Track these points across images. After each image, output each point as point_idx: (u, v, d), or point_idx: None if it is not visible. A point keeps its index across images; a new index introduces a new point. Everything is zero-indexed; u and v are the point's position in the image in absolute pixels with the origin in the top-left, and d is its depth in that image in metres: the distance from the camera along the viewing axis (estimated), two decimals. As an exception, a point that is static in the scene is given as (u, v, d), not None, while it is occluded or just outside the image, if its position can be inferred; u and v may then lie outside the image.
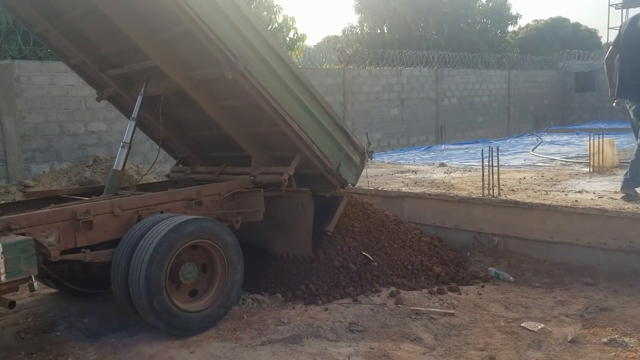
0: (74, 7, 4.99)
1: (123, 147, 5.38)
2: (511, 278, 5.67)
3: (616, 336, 4.12)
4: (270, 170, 5.32)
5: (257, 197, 5.04)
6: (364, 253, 5.50)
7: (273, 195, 5.19)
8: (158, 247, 4.04)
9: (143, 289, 3.98)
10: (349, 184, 5.57)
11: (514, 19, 31.43)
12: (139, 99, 5.37)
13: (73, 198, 5.15)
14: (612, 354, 3.87)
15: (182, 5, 4.15)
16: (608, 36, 41.47)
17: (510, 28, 32.90)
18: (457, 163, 11.30)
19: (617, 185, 6.52)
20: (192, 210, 4.84)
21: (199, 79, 4.90)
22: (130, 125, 5.43)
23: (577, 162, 10.33)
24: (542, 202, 6.11)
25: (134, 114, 5.40)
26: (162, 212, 4.65)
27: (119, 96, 5.89)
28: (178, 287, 4.30)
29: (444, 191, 7.09)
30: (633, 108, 6.31)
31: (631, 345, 3.97)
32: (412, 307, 4.80)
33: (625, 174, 6.28)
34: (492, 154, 6.61)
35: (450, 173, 9.05)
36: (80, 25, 5.22)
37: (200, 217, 4.51)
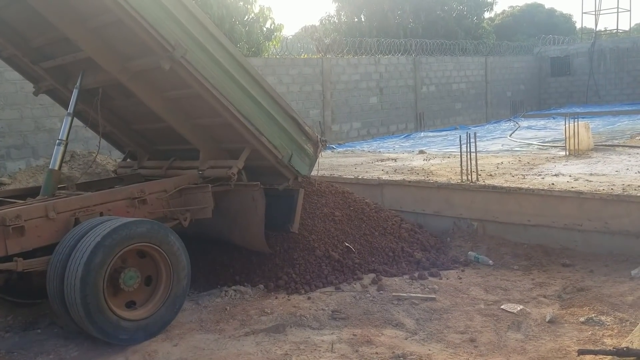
0: None
1: (59, 144, 5.07)
2: (490, 262, 5.75)
3: (593, 315, 4.21)
4: (219, 164, 5.14)
5: (205, 193, 4.84)
6: (347, 244, 5.51)
7: (223, 190, 5.01)
8: (93, 254, 3.79)
9: (79, 296, 3.74)
10: (302, 175, 5.42)
11: (490, 5, 31.54)
12: (75, 92, 5.10)
13: (7, 201, 4.80)
14: (589, 333, 3.96)
15: None
16: (582, 21, 42.10)
17: (487, 14, 32.99)
18: (436, 150, 11.38)
19: (592, 168, 6.62)
20: (135, 209, 4.60)
21: (136, 70, 4.70)
22: (66, 120, 5.13)
23: (553, 146, 10.47)
24: (519, 186, 6.19)
25: (70, 109, 5.12)
26: (101, 214, 4.42)
27: (56, 89, 5.61)
28: (116, 294, 4.05)
29: (423, 178, 7.15)
30: None
31: (607, 324, 4.06)
32: (393, 293, 4.85)
33: None
34: (470, 140, 6.67)
35: (429, 160, 9.11)
36: (7, 15, 4.95)
37: (141, 219, 4.26)
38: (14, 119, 10.29)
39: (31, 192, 5.17)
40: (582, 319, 4.18)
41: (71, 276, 3.80)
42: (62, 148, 5.08)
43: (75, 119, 5.24)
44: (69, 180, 6.20)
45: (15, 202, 4.67)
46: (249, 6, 16.70)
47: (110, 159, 9.61)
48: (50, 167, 5.09)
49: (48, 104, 10.49)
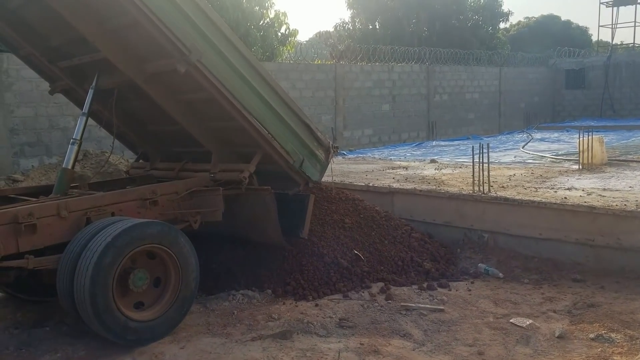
0: None
1: (73, 143, 5.09)
2: (500, 274, 5.71)
3: (603, 332, 4.16)
4: (231, 167, 5.14)
5: (216, 196, 4.84)
6: (356, 252, 5.50)
7: (234, 193, 5.01)
8: (103, 254, 3.81)
9: (88, 295, 3.75)
10: (313, 181, 5.41)
11: (506, 15, 31.53)
12: (90, 92, 5.12)
13: (20, 198, 4.85)
14: (599, 350, 3.91)
15: None
16: (599, 34, 41.87)
17: (502, 25, 33.01)
18: (447, 159, 11.34)
19: (606, 183, 6.57)
20: (146, 210, 4.59)
21: (152, 72, 4.70)
22: (80, 120, 5.15)
23: (566, 159, 10.41)
24: (531, 198, 6.15)
25: (85, 109, 5.14)
26: (113, 214, 4.42)
27: (72, 89, 5.64)
28: (125, 295, 4.05)
29: (434, 187, 7.12)
30: None
31: (617, 341, 4.01)
32: (402, 303, 4.82)
33: None
34: (482, 151, 6.64)
35: (441, 169, 9.08)
36: (26, 14, 4.99)
37: (152, 220, 4.28)
38: (28, 116, 10.41)
39: (44, 190, 5.19)
40: (591, 336, 4.13)
41: (81, 275, 3.81)
42: (75, 147, 5.10)
43: (89, 118, 5.27)
44: (82, 180, 6.24)
45: (28, 200, 4.69)
46: (264, 11, 16.81)
47: (123, 159, 9.69)
48: (63, 166, 5.12)
49: (63, 102, 10.61)
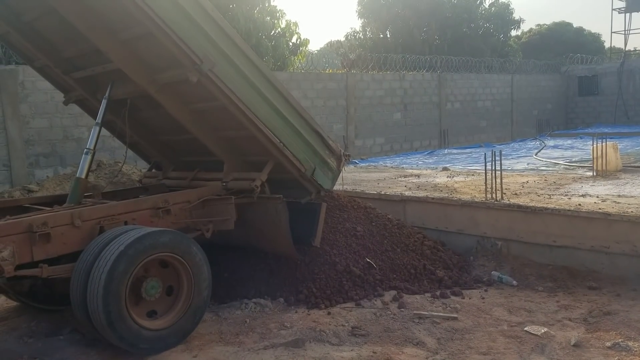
0: (32, 8, 4.81)
1: (87, 153, 5.14)
2: (514, 282, 5.65)
3: (620, 340, 4.10)
4: (242, 176, 5.16)
5: (228, 205, 4.86)
6: (368, 260, 5.48)
7: (246, 202, 5.02)
8: (116, 262, 3.83)
9: (101, 303, 3.77)
10: (325, 190, 5.40)
11: (517, 23, 31.40)
12: (104, 102, 5.18)
13: (34, 208, 4.90)
14: (616, 358, 3.85)
15: (140, 6, 4.01)
16: (611, 40, 41.48)
17: (513, 32, 32.86)
18: (460, 167, 11.29)
19: (621, 189, 6.50)
20: (159, 219, 4.62)
21: (164, 82, 4.75)
22: (94, 130, 5.21)
23: (580, 166, 10.32)
24: (545, 206, 6.10)
25: (98, 119, 5.20)
26: (126, 223, 4.44)
27: (86, 99, 5.70)
28: (138, 303, 4.07)
29: (446, 195, 7.08)
30: None
31: (635, 350, 3.95)
32: (415, 311, 4.79)
33: None
34: (495, 158, 6.60)
35: (453, 177, 9.04)
36: (40, 26, 5.07)
37: (164, 229, 4.30)
38: (43, 127, 10.54)
39: (58, 200, 5.25)
40: (608, 344, 4.08)
41: (94, 284, 3.84)
42: (89, 157, 5.16)
43: (102, 128, 5.32)
44: (95, 189, 6.29)
45: (42, 209, 4.74)
46: (275, 21, 16.90)
47: (135, 168, 9.76)
48: (77, 176, 5.17)
49: (77, 113, 10.72)
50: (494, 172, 6.58)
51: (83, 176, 5.12)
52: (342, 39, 31.95)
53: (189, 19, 4.29)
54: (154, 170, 6.40)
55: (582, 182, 7.87)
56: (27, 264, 3.99)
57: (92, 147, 5.17)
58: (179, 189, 5.30)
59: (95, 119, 5.30)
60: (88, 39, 4.59)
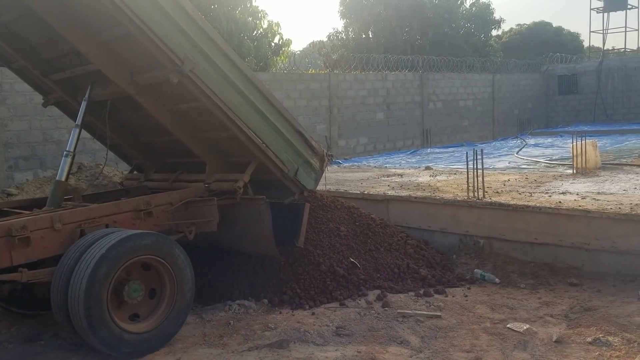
0: (9, 9, 4.73)
1: (67, 156, 5.08)
2: (497, 280, 5.70)
3: (600, 335, 4.16)
4: (225, 177, 5.14)
5: (210, 206, 4.84)
6: (352, 259, 5.49)
7: (229, 203, 5.01)
8: (98, 266, 3.79)
9: (82, 307, 3.72)
10: (308, 190, 5.40)
11: (498, 23, 31.73)
12: (83, 104, 5.12)
13: (13, 212, 4.80)
14: (597, 353, 3.90)
15: (119, 6, 3.98)
16: (590, 40, 42.06)
17: (494, 32, 33.19)
18: (442, 166, 11.36)
19: (600, 187, 6.59)
20: (141, 221, 4.58)
21: (145, 83, 4.71)
22: (74, 132, 5.15)
23: (560, 164, 10.44)
24: (526, 203, 6.16)
25: (78, 121, 5.13)
26: (107, 226, 4.40)
27: (65, 101, 5.63)
28: (120, 307, 4.03)
29: (429, 194, 7.12)
30: None
31: (615, 345, 4.01)
32: (398, 310, 4.81)
33: None
34: (476, 157, 6.66)
35: (435, 176, 9.09)
36: (18, 28, 5.00)
37: (146, 231, 4.25)
38: (22, 130, 10.38)
39: (38, 203, 5.16)
40: (589, 340, 4.13)
41: (75, 288, 3.79)
42: (69, 159, 5.09)
43: (83, 130, 5.26)
44: (76, 192, 6.23)
45: (22, 213, 4.67)
46: (257, 22, 16.85)
47: (117, 171, 9.67)
48: (57, 179, 5.09)
49: (57, 115, 10.59)
50: (475, 170, 6.63)
51: (63, 179, 5.05)
52: (325, 39, 31.97)
53: (169, 20, 4.25)
54: (135, 172, 6.33)
55: (562, 180, 7.96)
56: (6, 268, 3.93)
57: (72, 150, 5.10)
58: (161, 191, 5.25)
59: (75, 121, 5.23)
60: (67, 40, 4.53)
